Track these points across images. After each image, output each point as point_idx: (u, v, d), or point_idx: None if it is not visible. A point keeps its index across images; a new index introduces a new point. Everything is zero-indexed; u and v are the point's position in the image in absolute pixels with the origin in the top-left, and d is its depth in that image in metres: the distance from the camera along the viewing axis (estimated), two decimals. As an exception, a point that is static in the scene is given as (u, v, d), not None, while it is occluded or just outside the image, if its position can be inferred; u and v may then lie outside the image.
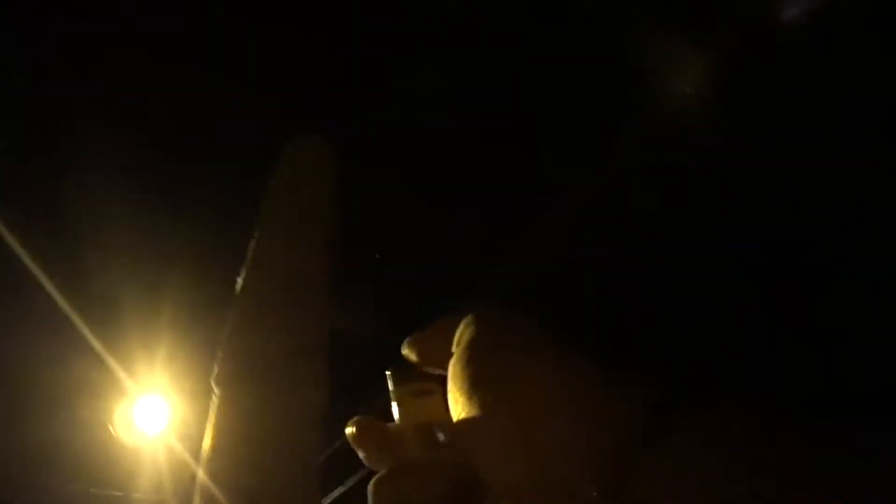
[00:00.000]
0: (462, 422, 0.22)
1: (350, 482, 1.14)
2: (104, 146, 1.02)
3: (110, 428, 1.45)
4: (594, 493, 0.18)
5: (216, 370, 0.36)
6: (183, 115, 0.96)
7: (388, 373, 0.32)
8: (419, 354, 0.29)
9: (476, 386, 0.22)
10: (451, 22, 0.75)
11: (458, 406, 0.23)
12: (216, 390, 0.34)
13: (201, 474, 0.33)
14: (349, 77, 0.81)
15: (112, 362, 1.37)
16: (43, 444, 1.49)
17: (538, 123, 0.78)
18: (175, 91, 0.91)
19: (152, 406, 1.43)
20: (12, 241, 1.11)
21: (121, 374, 1.39)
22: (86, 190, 1.08)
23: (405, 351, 0.30)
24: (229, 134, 0.97)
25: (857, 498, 0.16)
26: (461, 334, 0.25)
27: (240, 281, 0.38)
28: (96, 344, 1.33)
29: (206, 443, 0.33)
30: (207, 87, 0.90)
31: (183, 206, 1.10)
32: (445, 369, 0.25)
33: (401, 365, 0.30)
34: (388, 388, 0.32)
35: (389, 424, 0.31)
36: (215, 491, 0.31)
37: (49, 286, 1.21)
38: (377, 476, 0.29)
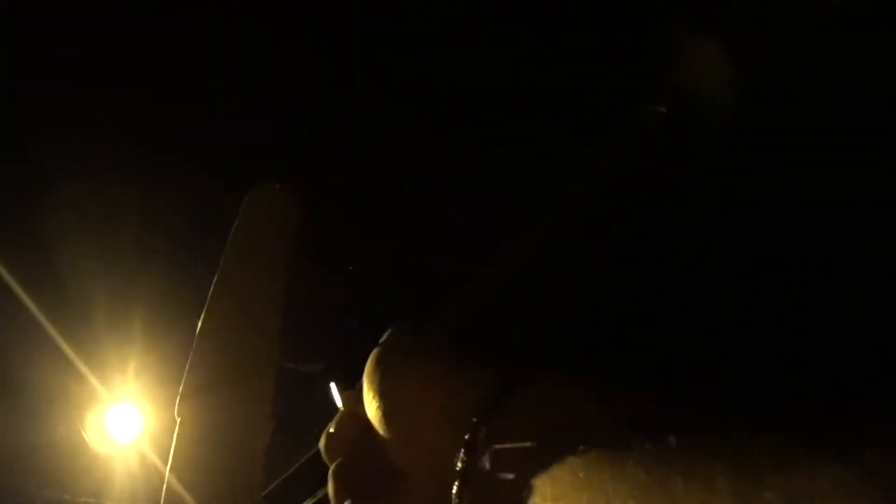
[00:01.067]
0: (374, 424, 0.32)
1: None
2: (77, 153, 1.04)
3: (83, 435, 1.46)
4: (458, 456, 0.25)
5: (182, 387, 0.41)
6: (158, 129, 0.98)
7: (332, 384, 0.39)
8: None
9: (372, 398, 0.32)
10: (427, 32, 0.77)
11: (370, 412, 0.32)
12: (178, 408, 0.39)
13: (168, 475, 0.38)
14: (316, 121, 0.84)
15: (85, 370, 1.38)
16: (15, 450, 1.50)
17: (520, 134, 0.80)
18: (153, 102, 0.94)
19: (125, 414, 1.45)
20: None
21: (94, 381, 1.41)
22: (58, 196, 1.10)
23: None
24: (203, 145, 1.00)
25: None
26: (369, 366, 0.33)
27: (205, 307, 0.43)
28: (69, 352, 1.34)
29: (172, 447, 0.38)
30: (189, 100, 0.92)
31: (156, 216, 1.12)
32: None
33: (343, 384, 0.37)
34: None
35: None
36: (179, 489, 0.36)
37: (21, 294, 1.22)
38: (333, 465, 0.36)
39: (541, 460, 0.23)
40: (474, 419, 0.26)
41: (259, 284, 0.44)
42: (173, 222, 1.10)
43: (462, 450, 0.26)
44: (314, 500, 1.14)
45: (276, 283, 0.44)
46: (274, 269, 0.44)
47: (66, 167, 1.06)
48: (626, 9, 0.69)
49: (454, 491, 0.25)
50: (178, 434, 0.39)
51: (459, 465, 0.25)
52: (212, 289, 0.45)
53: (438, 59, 0.80)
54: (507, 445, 0.24)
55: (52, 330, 1.30)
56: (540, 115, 0.79)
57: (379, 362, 0.33)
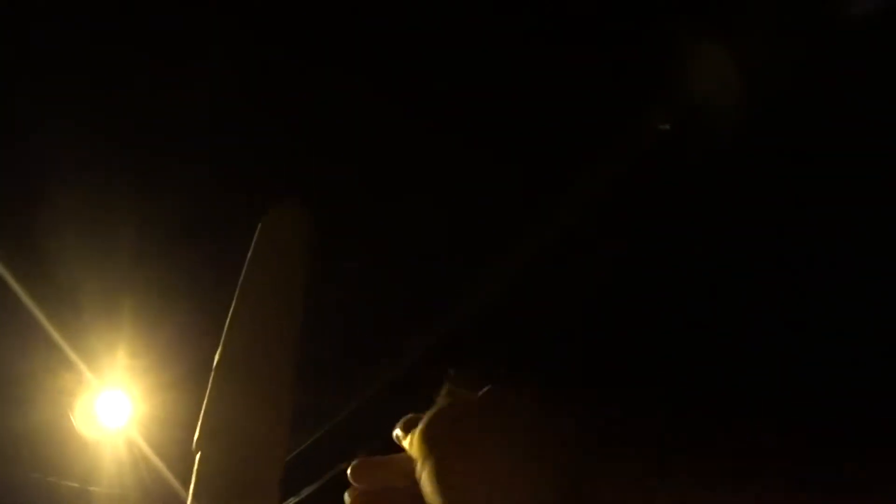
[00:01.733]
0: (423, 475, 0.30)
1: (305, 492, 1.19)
2: (71, 144, 1.05)
3: (72, 420, 1.47)
4: None
5: (202, 418, 0.42)
6: (154, 126, 1.00)
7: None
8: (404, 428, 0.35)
9: (425, 450, 0.30)
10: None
11: (420, 463, 0.30)
12: (197, 442, 0.40)
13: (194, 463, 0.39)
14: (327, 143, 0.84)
15: (74, 357, 1.39)
16: (4, 434, 1.51)
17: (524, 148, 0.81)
18: (150, 102, 0.95)
19: (114, 401, 1.46)
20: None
21: (83, 368, 1.42)
22: (50, 186, 1.11)
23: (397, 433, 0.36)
24: (198, 142, 1.01)
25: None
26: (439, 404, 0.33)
27: (224, 333, 0.44)
28: (59, 338, 1.35)
29: (192, 481, 0.39)
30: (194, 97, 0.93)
31: (148, 203, 1.13)
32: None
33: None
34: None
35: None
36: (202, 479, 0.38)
37: (12, 281, 1.23)
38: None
39: None
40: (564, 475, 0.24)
41: (277, 311, 0.44)
42: (164, 214, 1.11)
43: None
44: (297, 500, 1.17)
45: (294, 307, 0.45)
46: (292, 294, 0.45)
47: (58, 154, 1.07)
48: (630, 14, 0.70)
49: None
50: (197, 469, 0.40)
51: None
52: (230, 315, 0.45)
53: (441, 63, 0.81)
54: None
55: (41, 317, 1.31)
56: (543, 119, 0.80)
57: (447, 431, 0.30)
